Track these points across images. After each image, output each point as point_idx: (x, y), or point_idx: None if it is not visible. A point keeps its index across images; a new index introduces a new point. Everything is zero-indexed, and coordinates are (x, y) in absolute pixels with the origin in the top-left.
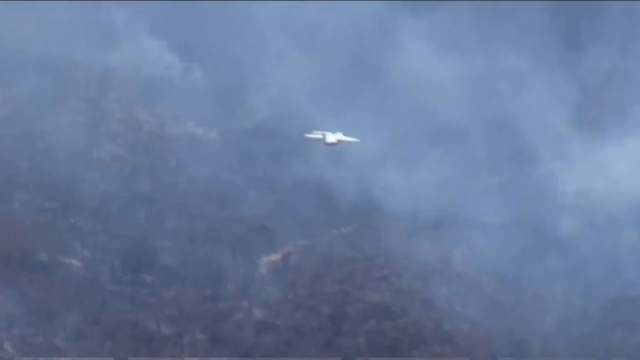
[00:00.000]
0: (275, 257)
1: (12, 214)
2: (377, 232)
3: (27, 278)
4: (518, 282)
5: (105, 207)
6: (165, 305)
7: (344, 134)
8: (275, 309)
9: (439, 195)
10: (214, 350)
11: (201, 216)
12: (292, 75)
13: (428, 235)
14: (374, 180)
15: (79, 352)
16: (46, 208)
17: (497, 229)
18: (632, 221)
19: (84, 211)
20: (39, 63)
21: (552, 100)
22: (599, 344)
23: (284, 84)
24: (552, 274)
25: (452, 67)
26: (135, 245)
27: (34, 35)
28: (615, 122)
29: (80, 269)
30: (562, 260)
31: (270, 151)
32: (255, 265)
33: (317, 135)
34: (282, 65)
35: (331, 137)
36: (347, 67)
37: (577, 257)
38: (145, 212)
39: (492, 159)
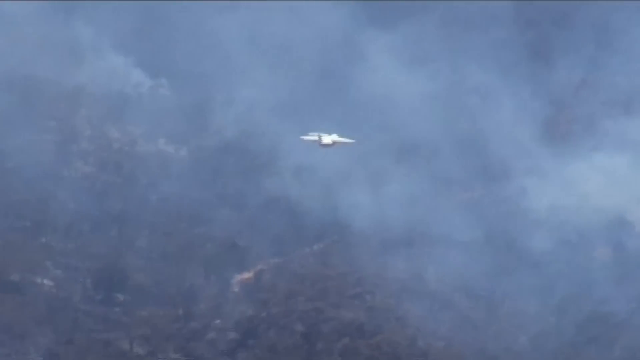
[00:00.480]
0: (248, 275)
1: None
2: (349, 250)
3: None
4: (491, 298)
5: (76, 226)
6: (138, 325)
7: (339, 136)
8: (249, 327)
9: (409, 212)
10: None
11: (173, 234)
12: (259, 91)
13: (400, 252)
14: (343, 197)
15: None
16: (17, 227)
17: (469, 245)
18: (605, 237)
19: (55, 230)
20: (6, 81)
21: (522, 115)
22: None
23: (251, 100)
24: (525, 291)
25: (419, 82)
26: (107, 264)
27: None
28: (585, 137)
29: (52, 288)
30: (535, 277)
31: (241, 168)
32: (228, 283)
33: (312, 137)
34: (249, 81)
35: (327, 139)
36: (315, 82)
37: (550, 273)
38: (116, 231)
39: (462, 175)
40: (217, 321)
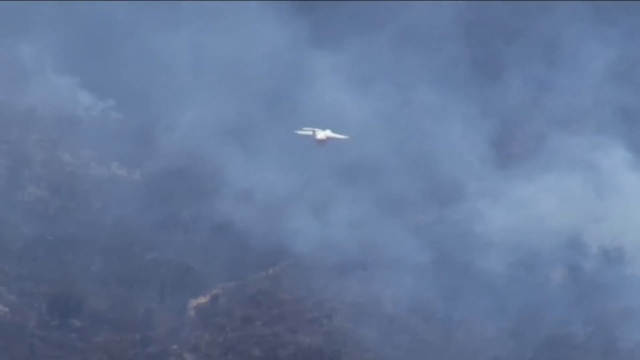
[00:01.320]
0: (204, 299)
1: None
2: (304, 273)
3: None
4: (449, 322)
5: (30, 250)
6: (94, 350)
7: (333, 131)
8: (206, 352)
9: (360, 235)
10: None
11: (128, 259)
12: (205, 113)
13: (356, 275)
14: (295, 220)
15: None
16: None
17: (424, 268)
18: (561, 258)
19: (9, 255)
20: None
21: (472, 135)
22: None
23: (197, 123)
24: (482, 313)
25: (368, 102)
26: (63, 290)
27: None
28: (537, 157)
29: (7, 314)
30: (491, 299)
31: (193, 192)
32: (184, 308)
33: (307, 132)
34: (195, 103)
35: (321, 134)
36: (261, 103)
37: (506, 295)
38: (71, 256)
39: (414, 197)
40: (174, 346)
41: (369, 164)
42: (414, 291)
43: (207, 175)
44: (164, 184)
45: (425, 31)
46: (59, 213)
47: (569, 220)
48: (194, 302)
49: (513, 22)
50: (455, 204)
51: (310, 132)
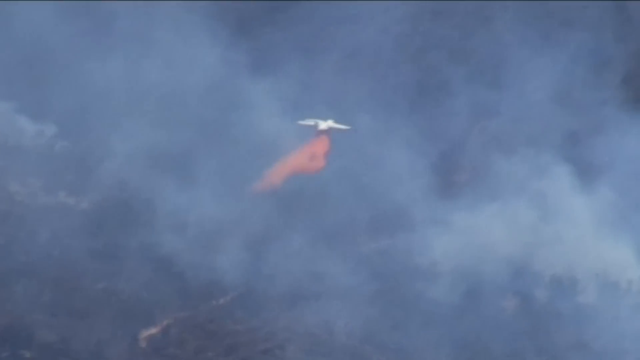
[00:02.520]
0: (155, 330)
1: None
2: (257, 303)
3: None
4: (402, 352)
5: None
6: None
7: (335, 122)
8: None
9: (309, 265)
10: None
11: (78, 289)
12: (142, 142)
13: (309, 305)
14: (242, 249)
15: None
16: None
17: (376, 297)
18: (512, 287)
19: None
20: None
21: (417, 162)
22: None
23: (135, 151)
24: (435, 343)
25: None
26: (13, 321)
27: None
28: (484, 184)
29: None
30: (444, 329)
31: (141, 221)
32: (135, 339)
33: (309, 122)
34: (132, 131)
35: (323, 125)
36: (199, 132)
37: (459, 325)
38: (21, 286)
39: (361, 226)
40: None
41: (312, 192)
42: (367, 321)
43: (150, 205)
44: (111, 213)
45: (370, 56)
46: (8, 243)
47: (519, 248)
48: (145, 333)
49: (459, 46)
50: (403, 232)
51: (312, 123)
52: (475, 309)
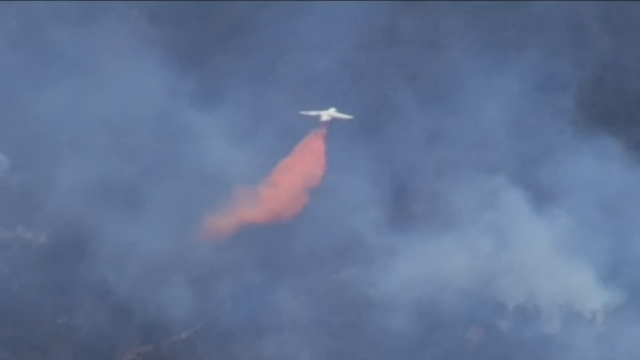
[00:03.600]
0: None
1: None
2: (219, 337)
3: None
4: None
5: None
6: None
7: (337, 111)
8: None
9: (270, 297)
10: None
11: (39, 324)
12: (89, 174)
13: (272, 339)
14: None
15: None
16: None
17: (338, 329)
18: (475, 317)
19: None
20: None
21: (374, 192)
22: None
23: (82, 184)
24: None
25: (256, 157)
26: None
27: None
28: (442, 213)
29: None
30: None
31: (101, 255)
32: None
33: (311, 113)
34: (79, 163)
35: (325, 116)
36: (147, 160)
37: (424, 357)
38: None
39: (318, 258)
40: None
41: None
42: (329, 354)
43: (106, 238)
44: (69, 247)
45: (324, 84)
46: None
47: (480, 277)
48: None
49: (414, 73)
50: (362, 263)
51: (315, 114)
52: (439, 340)
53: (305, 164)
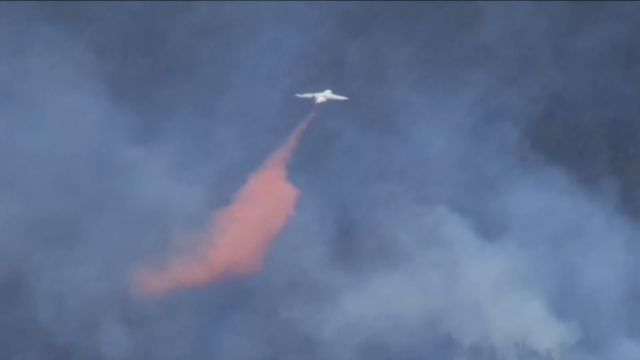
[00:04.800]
0: None
1: None
2: None
3: None
4: None
5: None
6: None
7: (332, 92)
8: None
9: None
10: None
11: None
12: (26, 211)
13: None
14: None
15: None
16: None
17: None
18: (429, 357)
19: None
20: None
21: (322, 228)
22: None
23: (18, 222)
24: None
25: (197, 191)
26: None
27: None
28: (387, 250)
29: None
30: None
31: (35, 293)
32: None
33: (307, 95)
34: (14, 200)
35: (320, 97)
36: (82, 196)
37: None
38: None
39: (266, 296)
40: None
41: None
42: None
43: (37, 279)
44: (4, 285)
45: (264, 117)
46: None
47: (433, 315)
48: None
49: (361, 109)
50: (311, 301)
51: (310, 96)
52: None
53: (264, 204)
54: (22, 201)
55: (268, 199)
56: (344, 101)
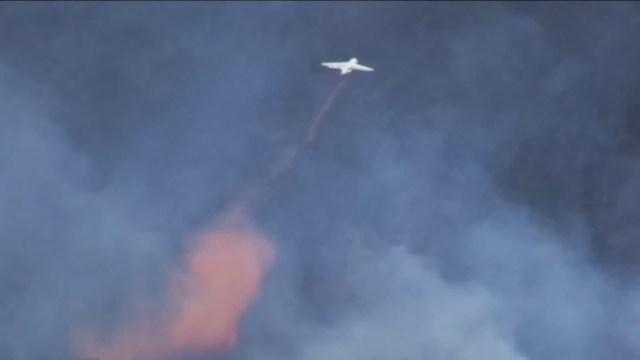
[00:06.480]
0: None
1: None
2: None
3: None
4: None
5: None
6: None
7: (358, 62)
8: None
9: None
10: None
11: None
12: None
13: None
14: None
15: None
16: None
17: None
18: None
19: None
20: None
21: (286, 281)
22: None
23: None
24: None
25: (154, 237)
26: None
27: None
28: (355, 297)
29: None
30: None
31: None
32: None
33: (333, 66)
34: None
35: (345, 69)
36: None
37: None
38: None
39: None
40: None
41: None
42: None
43: None
44: None
45: (231, 163)
46: None
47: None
48: None
49: (325, 147)
50: (281, 351)
51: (336, 66)
52: None
53: (233, 263)
54: None
55: (236, 260)
56: (368, 72)
